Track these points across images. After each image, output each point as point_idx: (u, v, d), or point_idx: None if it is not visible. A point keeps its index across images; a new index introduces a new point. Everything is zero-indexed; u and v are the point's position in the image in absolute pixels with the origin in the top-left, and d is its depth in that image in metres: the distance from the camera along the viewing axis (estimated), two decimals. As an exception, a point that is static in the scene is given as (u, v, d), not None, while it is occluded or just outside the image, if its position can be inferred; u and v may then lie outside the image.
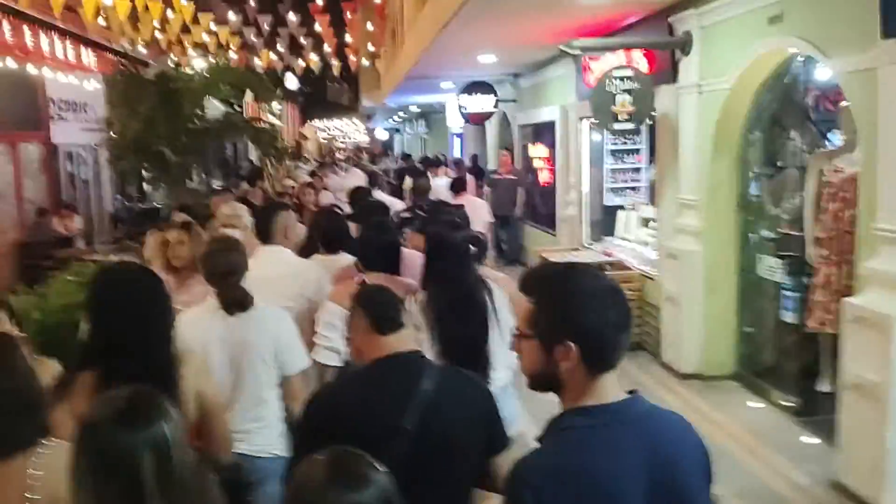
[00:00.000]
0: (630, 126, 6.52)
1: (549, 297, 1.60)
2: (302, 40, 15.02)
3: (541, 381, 1.61)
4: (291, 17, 12.88)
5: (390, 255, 3.54)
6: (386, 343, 2.18)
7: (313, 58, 16.27)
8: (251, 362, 3.02)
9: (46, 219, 11.04)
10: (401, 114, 29.76)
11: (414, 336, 2.33)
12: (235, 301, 3.04)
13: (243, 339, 3.02)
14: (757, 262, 6.06)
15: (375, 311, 2.21)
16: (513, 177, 11.55)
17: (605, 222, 9.41)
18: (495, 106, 12.68)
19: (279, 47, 15.65)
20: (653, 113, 6.81)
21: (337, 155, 36.25)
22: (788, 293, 5.65)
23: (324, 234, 4.47)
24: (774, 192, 6.15)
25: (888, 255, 4.09)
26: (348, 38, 15.26)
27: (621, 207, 9.21)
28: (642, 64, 7.07)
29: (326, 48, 15.80)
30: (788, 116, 6.14)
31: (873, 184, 4.26)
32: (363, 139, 49.21)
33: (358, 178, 11.43)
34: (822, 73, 5.84)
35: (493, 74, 12.31)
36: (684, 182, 6.48)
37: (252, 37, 14.43)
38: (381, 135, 43.50)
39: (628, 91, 6.40)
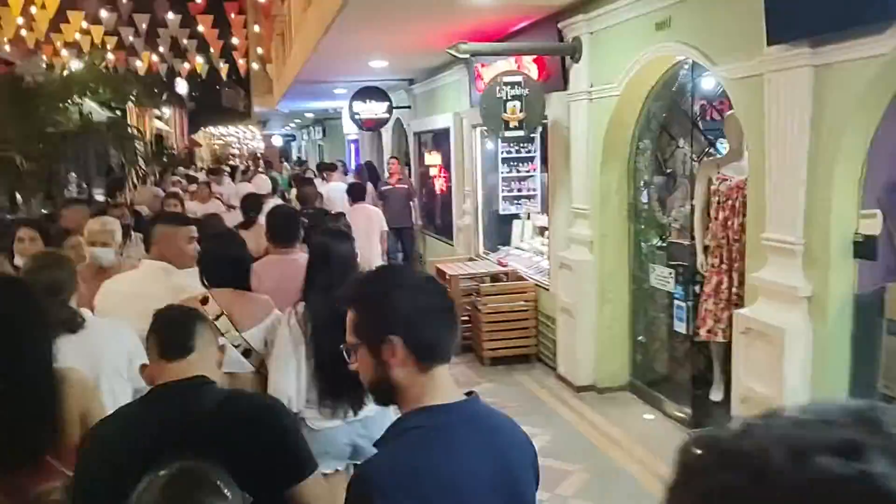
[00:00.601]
0: (521, 134, 6.35)
1: (365, 299, 1.64)
2: (185, 42, 14.24)
3: (379, 389, 1.61)
4: (171, 16, 12.15)
5: (237, 269, 3.34)
6: (168, 370, 2.01)
7: (199, 60, 15.49)
8: (107, 377, 2.78)
9: None
10: (297, 120, 29.04)
11: (211, 360, 2.11)
12: (60, 322, 2.68)
13: (91, 355, 2.74)
14: (649, 272, 6.00)
15: (162, 335, 2.06)
16: (403, 186, 11.18)
17: (501, 231, 9.26)
18: (389, 112, 12.39)
19: (161, 49, 14.81)
20: (544, 120, 6.67)
21: (231, 162, 35.13)
22: (680, 303, 5.59)
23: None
24: (664, 201, 6.11)
25: (777, 266, 4.03)
26: (236, 41, 14.57)
27: (517, 216, 9.08)
28: (532, 70, 6.94)
29: (212, 50, 15.07)
30: (676, 124, 6.12)
31: (761, 193, 4.20)
32: (259, 146, 47.96)
33: (256, 186, 10.75)
34: (709, 82, 5.85)
35: (387, 80, 12.02)
36: (576, 191, 6.36)
37: (130, 37, 13.55)
38: (277, 142, 42.48)
39: (518, 98, 6.23)
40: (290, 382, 2.98)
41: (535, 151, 9.19)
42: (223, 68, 16.30)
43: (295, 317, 3.04)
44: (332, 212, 8.65)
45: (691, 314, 5.59)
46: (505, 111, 6.21)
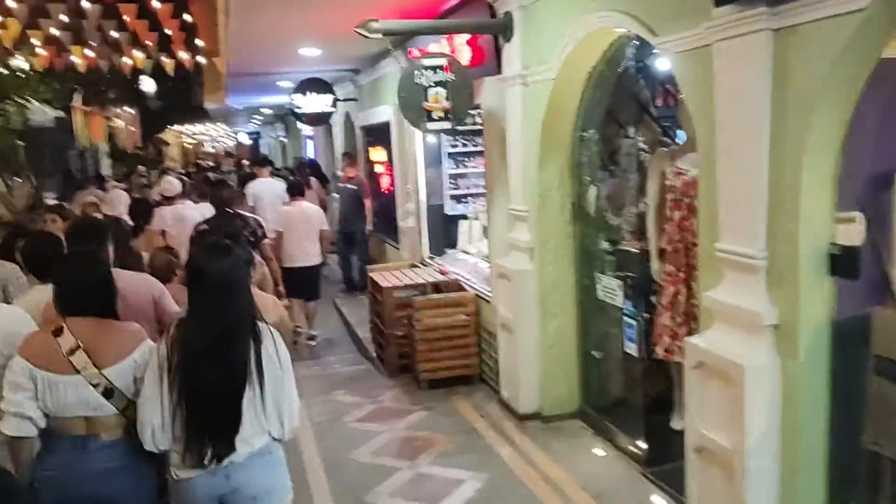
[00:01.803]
0: (446, 125, 5.47)
1: None
2: (115, 35, 13.22)
3: None
4: (88, 6, 11.12)
5: (101, 294, 2.92)
6: None
7: (138, 55, 14.47)
8: None
9: None
10: (258, 117, 28.02)
11: None
12: None
13: None
14: (596, 283, 5.18)
15: None
16: (354, 186, 10.17)
17: (447, 233, 8.40)
18: (333, 105, 11.49)
19: (92, 43, 13.77)
20: (475, 110, 5.83)
21: (201, 161, 34.00)
22: (629, 319, 4.77)
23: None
24: (613, 199, 5.28)
25: (734, 284, 3.21)
26: (169, 32, 13.60)
27: (464, 217, 8.24)
28: (465, 53, 6.09)
29: (149, 43, 14.05)
30: (625, 111, 5.30)
31: (713, 192, 3.38)
32: (230, 144, 46.88)
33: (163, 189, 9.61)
34: (663, 61, 5.03)
35: (330, 71, 11.11)
36: (513, 190, 5.52)
37: (52, 29, 12.51)
38: (244, 139, 41.38)
39: (442, 84, 5.37)
40: (154, 412, 2.67)
41: (483, 145, 8.39)
42: (168, 63, 15.18)
43: (166, 340, 2.71)
44: (256, 211, 8.18)
45: (644, 332, 4.78)
46: (426, 99, 5.34)
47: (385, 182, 10.25)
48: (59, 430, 2.76)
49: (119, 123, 25.06)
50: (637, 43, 4.80)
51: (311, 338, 8.31)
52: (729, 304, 3.21)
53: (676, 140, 5.37)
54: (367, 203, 10.11)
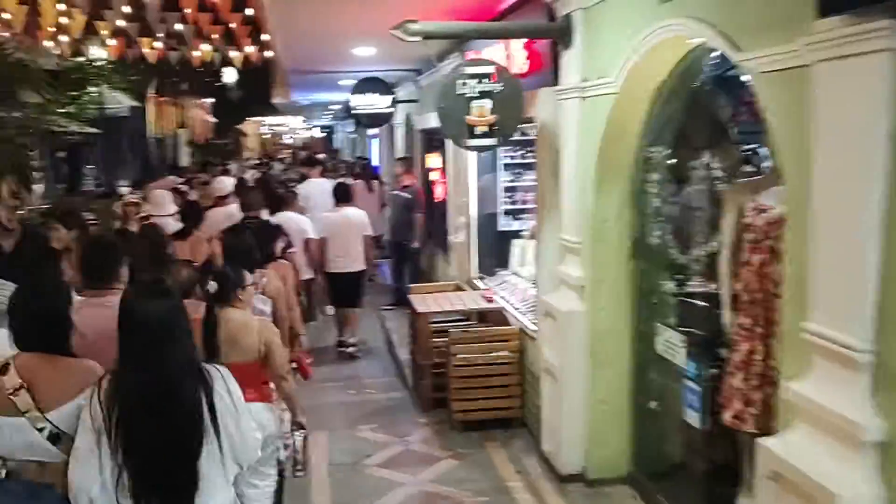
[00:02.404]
0: (490, 142, 4.83)
1: None
2: (180, 27, 13.09)
3: None
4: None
5: (51, 328, 2.64)
6: None
7: (205, 48, 14.35)
8: None
9: None
10: (329, 112, 27.86)
11: None
12: None
13: None
14: (657, 331, 4.45)
15: None
16: (406, 195, 9.46)
17: (499, 252, 7.74)
18: (392, 106, 10.97)
19: (159, 35, 13.71)
20: (525, 124, 5.16)
21: (280, 154, 34.22)
22: (692, 384, 4.03)
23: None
24: (680, 235, 4.53)
25: (827, 379, 2.47)
26: (233, 25, 13.43)
27: (518, 235, 7.57)
28: (519, 59, 5.43)
29: (214, 36, 13.90)
30: (698, 133, 4.53)
31: (802, 248, 2.65)
32: (307, 137, 47.30)
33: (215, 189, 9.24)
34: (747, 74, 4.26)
35: (392, 70, 10.60)
36: (566, 217, 4.84)
37: (118, 21, 12.45)
38: (317, 133, 41.57)
39: (488, 95, 4.72)
40: (91, 476, 2.38)
41: (535, 162, 7.73)
42: (236, 56, 15.01)
43: (97, 395, 2.42)
44: (310, 213, 8.04)
45: (709, 396, 4.04)
46: (469, 112, 4.71)
47: (440, 191, 9.65)
48: (17, 474, 2.55)
49: (195, 114, 25.33)
50: (716, 56, 4.06)
51: (350, 345, 8.00)
52: (818, 403, 2.48)
53: (761, 168, 4.59)
54: (419, 217, 9.36)
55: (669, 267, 4.50)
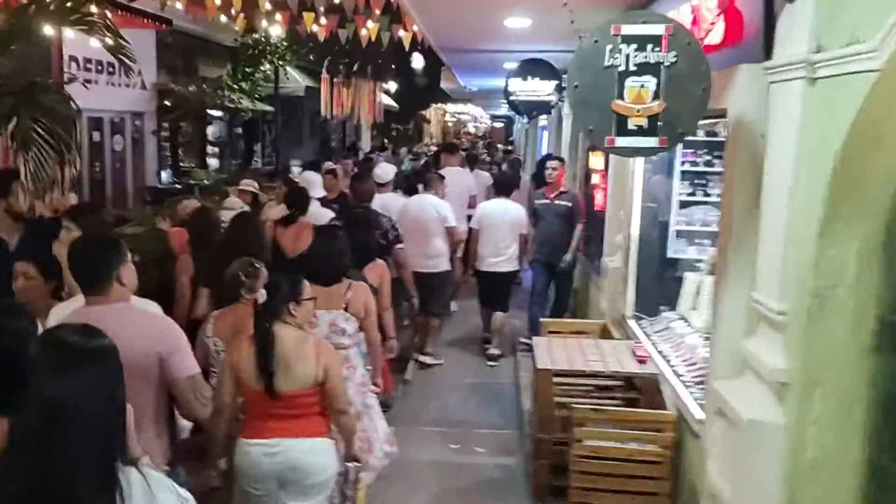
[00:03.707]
0: (651, 142, 3.10)
1: None
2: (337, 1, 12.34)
3: None
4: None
5: None
6: None
7: (371, 25, 13.57)
8: None
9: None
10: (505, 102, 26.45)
11: None
12: None
13: None
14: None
15: None
16: (563, 202, 7.54)
17: (666, 285, 5.91)
18: (557, 93, 9.33)
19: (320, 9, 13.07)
20: (710, 119, 3.39)
21: (458, 141, 33.57)
22: None
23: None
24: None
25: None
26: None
27: (694, 266, 5.72)
28: (709, 22, 3.65)
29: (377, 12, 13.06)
30: None
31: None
32: (488, 126, 46.51)
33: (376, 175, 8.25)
34: None
35: (561, 52, 8.95)
36: (765, 268, 3.05)
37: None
38: (496, 123, 40.52)
39: (651, 69, 3.01)
40: None
41: (724, 174, 5.81)
42: (405, 35, 14.07)
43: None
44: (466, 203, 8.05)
45: None
46: (621, 96, 3.03)
47: (600, 198, 7.88)
48: None
49: (368, 96, 25.00)
50: None
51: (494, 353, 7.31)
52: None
53: None
54: (579, 229, 7.50)
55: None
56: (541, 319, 6.12)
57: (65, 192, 4.33)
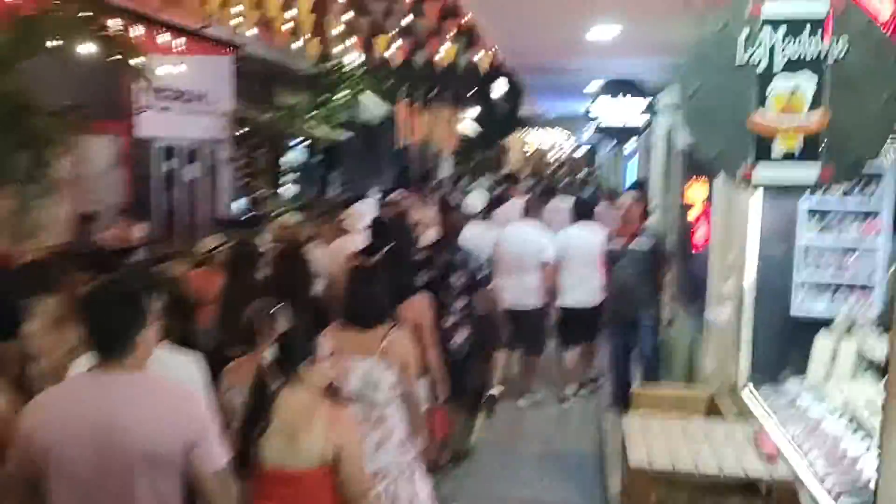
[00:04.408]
0: (808, 174, 2.07)
1: None
2: (410, 20, 11.83)
3: None
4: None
5: None
6: None
7: (448, 48, 13.00)
8: None
9: (91, 226, 8.47)
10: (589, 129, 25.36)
11: None
12: None
13: None
14: None
15: None
16: (641, 247, 6.21)
17: (789, 348, 4.75)
18: (647, 115, 8.28)
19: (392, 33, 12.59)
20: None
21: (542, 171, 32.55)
22: None
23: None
24: None
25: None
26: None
27: (825, 324, 4.56)
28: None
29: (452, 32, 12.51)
30: None
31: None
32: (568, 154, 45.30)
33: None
34: None
35: (646, 69, 7.95)
36: None
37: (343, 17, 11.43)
38: (578, 152, 39.27)
39: (810, 65, 1.99)
40: None
41: (882, 197, 4.70)
42: (486, 57, 13.36)
43: None
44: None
45: None
46: (761, 103, 2.02)
47: (700, 235, 6.71)
48: None
49: (444, 124, 24.48)
50: None
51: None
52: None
53: None
54: (663, 276, 6.34)
55: None
56: (633, 390, 5.01)
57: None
